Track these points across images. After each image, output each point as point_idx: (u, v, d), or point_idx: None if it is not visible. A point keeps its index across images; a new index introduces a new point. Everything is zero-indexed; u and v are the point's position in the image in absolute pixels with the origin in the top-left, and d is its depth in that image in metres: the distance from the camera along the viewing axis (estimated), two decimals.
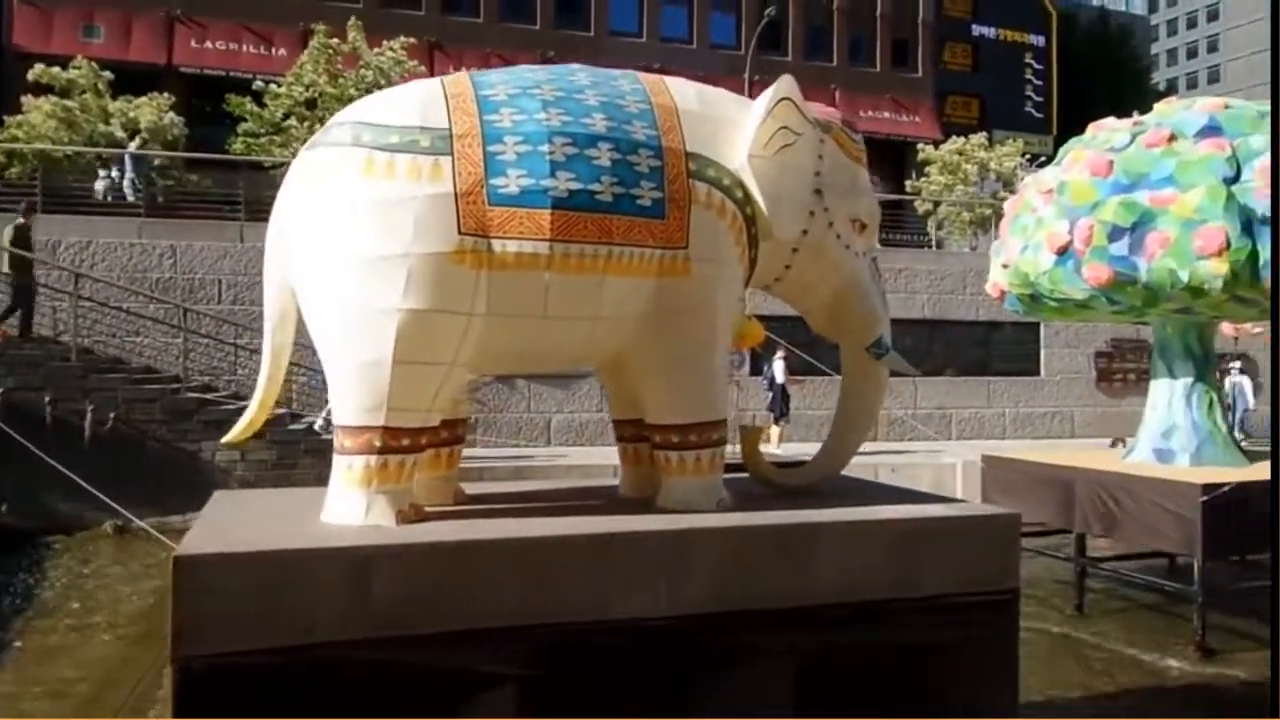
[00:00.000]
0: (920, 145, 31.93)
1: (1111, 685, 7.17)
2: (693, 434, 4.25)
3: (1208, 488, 7.42)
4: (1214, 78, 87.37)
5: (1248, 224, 7.55)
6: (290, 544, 3.39)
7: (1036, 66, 41.59)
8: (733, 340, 10.68)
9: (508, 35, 29.78)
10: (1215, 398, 8.83)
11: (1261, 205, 7.55)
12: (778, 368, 15.58)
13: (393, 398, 3.78)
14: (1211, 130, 8.11)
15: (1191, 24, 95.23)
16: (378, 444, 3.81)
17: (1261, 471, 8.31)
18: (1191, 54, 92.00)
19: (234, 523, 3.89)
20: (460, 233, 3.77)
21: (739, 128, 4.34)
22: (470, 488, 4.70)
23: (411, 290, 3.72)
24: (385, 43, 21.01)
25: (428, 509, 4.11)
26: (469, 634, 3.42)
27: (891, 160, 34.28)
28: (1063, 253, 8.31)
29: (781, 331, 18.35)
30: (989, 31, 41.19)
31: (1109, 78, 46.00)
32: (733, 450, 4.72)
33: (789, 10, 35.36)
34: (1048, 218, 8.58)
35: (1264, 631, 8.21)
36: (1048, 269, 8.49)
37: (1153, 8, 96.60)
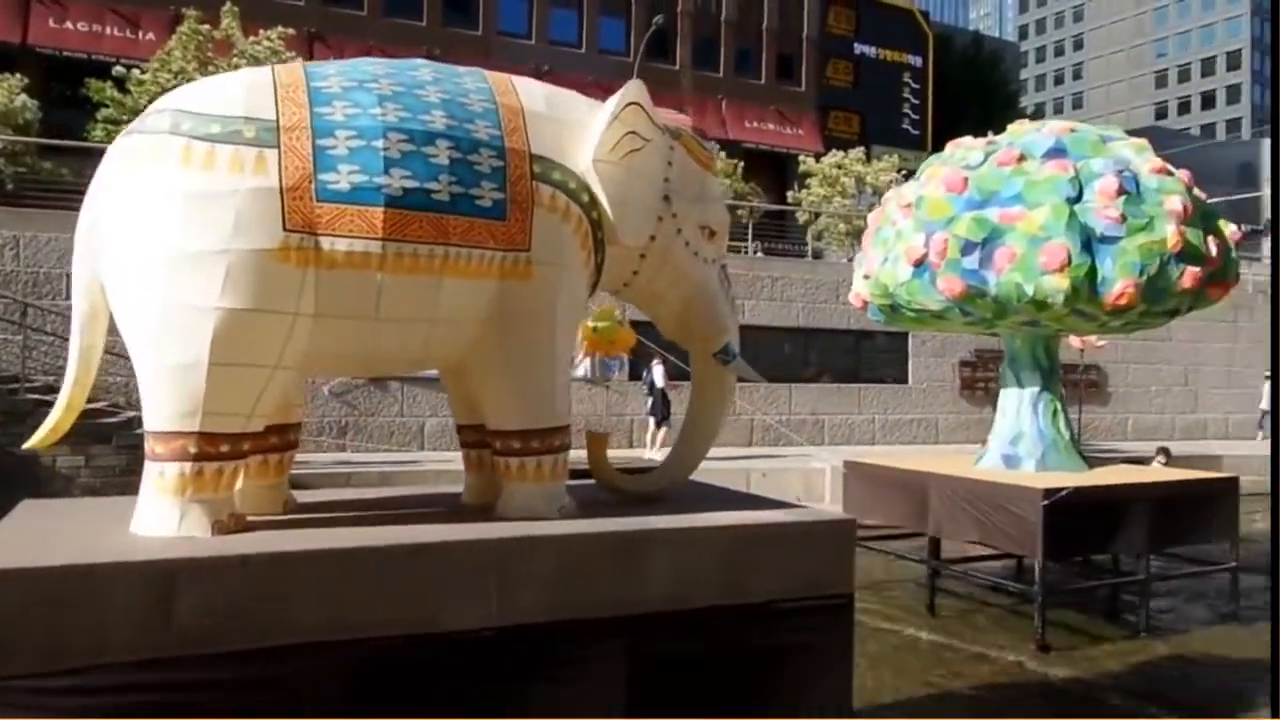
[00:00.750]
0: (802, 157, 32.78)
1: (957, 682, 7.41)
2: (534, 440, 4.17)
3: (1048, 492, 7.78)
4: (1077, 104, 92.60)
5: (1087, 242, 7.98)
6: (84, 557, 3.15)
7: (914, 86, 43.18)
8: (605, 346, 10.62)
9: (392, 30, 29.10)
10: (1060, 406, 9.27)
11: (1100, 224, 7.99)
12: (658, 372, 15.78)
13: (209, 401, 3.58)
14: (1057, 152, 8.54)
15: (1059, 52, 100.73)
16: (193, 450, 3.59)
17: (1099, 477, 8.80)
18: (1058, 80, 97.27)
19: (31, 534, 3.61)
20: (285, 229, 3.60)
21: (587, 131, 4.30)
22: (305, 496, 4.51)
23: (230, 288, 3.53)
24: (262, 31, 20.24)
25: (253, 519, 3.91)
26: (281, 650, 3.26)
27: (774, 171, 35.07)
28: (919, 265, 8.60)
29: (660, 337, 18.58)
30: (870, 50, 42.55)
31: (981, 99, 48.16)
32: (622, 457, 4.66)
33: (678, 20, 35.77)
34: (906, 231, 8.86)
35: (1098, 628, 8.68)
36: (905, 280, 8.76)
37: (1023, 35, 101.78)
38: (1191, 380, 22.22)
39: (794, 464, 14.78)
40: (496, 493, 4.34)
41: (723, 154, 28.94)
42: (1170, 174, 8.51)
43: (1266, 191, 45.85)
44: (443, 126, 3.91)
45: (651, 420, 16.02)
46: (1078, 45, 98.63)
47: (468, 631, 3.62)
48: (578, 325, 4.58)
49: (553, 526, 4.01)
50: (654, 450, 15.71)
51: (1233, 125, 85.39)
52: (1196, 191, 8.67)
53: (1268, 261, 32.17)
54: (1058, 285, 7.88)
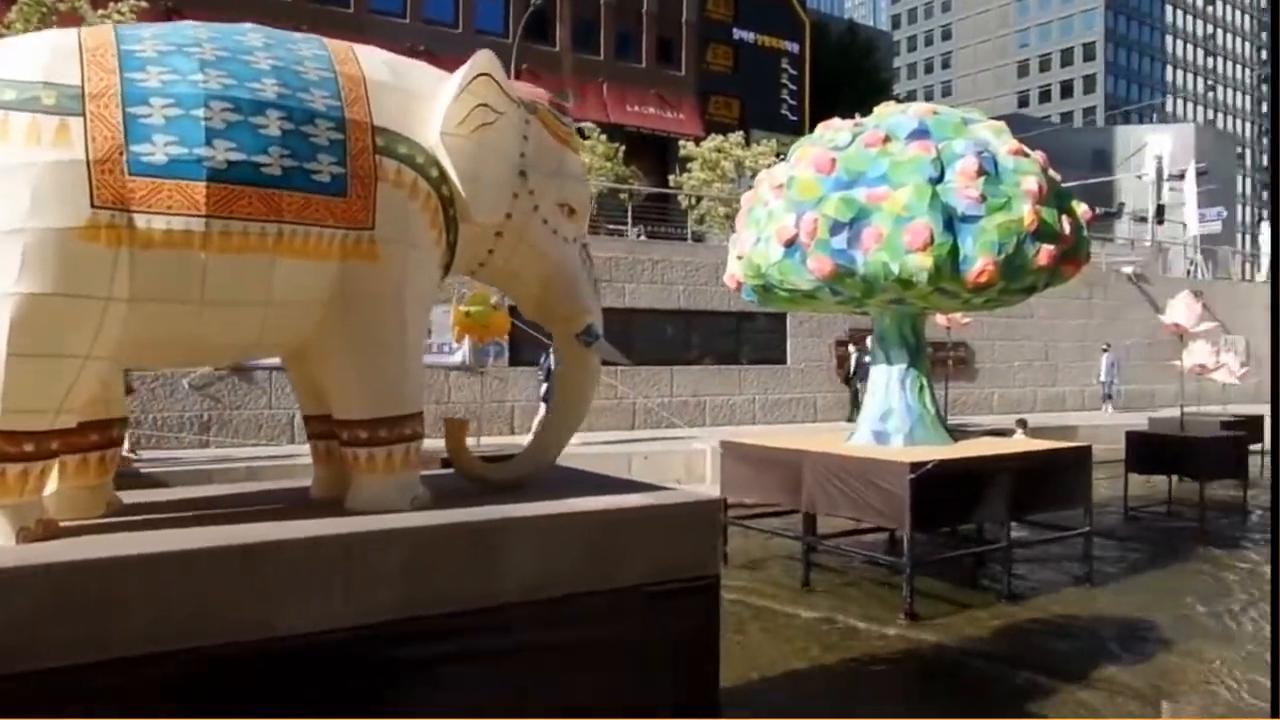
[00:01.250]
0: (682, 141, 32.95)
1: (830, 656, 7.53)
2: (383, 429, 3.96)
3: (914, 466, 7.96)
4: (947, 91, 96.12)
5: (949, 221, 8.17)
6: None
7: (792, 72, 43.95)
8: (479, 331, 10.36)
9: (256, 5, 27.69)
10: (926, 382, 9.53)
11: (962, 204, 8.20)
12: (553, 361, 15.55)
13: (9, 397, 3.24)
14: (920, 133, 8.72)
15: (929, 41, 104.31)
16: None
17: (963, 450, 9.08)
18: (929, 69, 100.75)
19: None
20: (94, 206, 3.28)
21: (435, 102, 4.08)
22: (132, 497, 4.17)
23: (28, 271, 3.20)
24: (113, 4, 18.98)
25: (71, 524, 3.58)
26: (98, 666, 2.98)
27: (656, 155, 35.15)
28: (790, 245, 8.66)
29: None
30: (749, 36, 43.09)
31: (856, 86, 49.37)
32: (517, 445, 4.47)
33: (556, 2, 35.36)
34: (777, 211, 8.92)
35: (964, 596, 8.98)
36: (777, 260, 8.82)
37: (896, 24, 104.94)
38: (1051, 355, 23.35)
39: (676, 446, 14.83)
40: (347, 486, 4.11)
41: (603, 136, 28.82)
42: (1026, 155, 8.81)
43: (1118, 176, 48.60)
44: (274, 95, 3.64)
45: (543, 406, 15.92)
46: (946, 35, 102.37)
47: (314, 634, 3.40)
48: (429, 308, 4.37)
49: (404, 519, 3.82)
50: None
51: (1088, 113, 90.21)
52: (1051, 172, 9.01)
53: (1121, 242, 34.11)
54: (921, 264, 8.06)
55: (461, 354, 17.07)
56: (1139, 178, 36.87)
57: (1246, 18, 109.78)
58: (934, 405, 9.56)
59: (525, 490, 4.41)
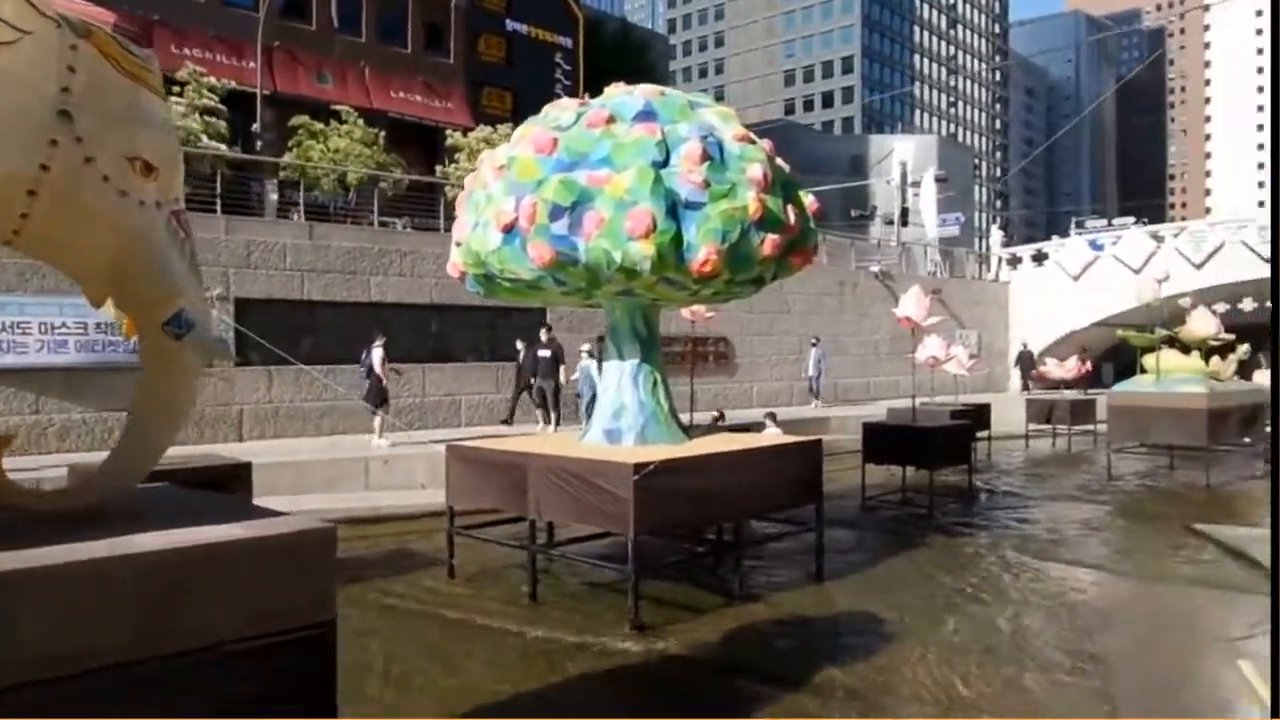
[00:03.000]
0: (449, 131, 31.74)
1: (556, 676, 6.92)
2: None
3: (638, 466, 7.47)
4: (720, 97, 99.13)
5: (673, 207, 7.74)
6: None
7: (565, 67, 43.66)
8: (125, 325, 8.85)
9: None
10: (660, 377, 9.11)
11: (685, 190, 7.78)
12: (376, 356, 14.84)
13: None
14: (646, 115, 8.26)
15: (703, 47, 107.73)
16: None
17: (693, 447, 8.72)
18: (703, 74, 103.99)
19: None
20: None
21: None
22: None
23: None
24: None
25: None
26: None
27: (423, 144, 33.66)
28: (509, 231, 7.98)
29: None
30: (521, 28, 42.43)
31: (631, 84, 49.58)
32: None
33: None
34: (497, 194, 8.21)
35: (696, 599, 8.62)
36: (496, 248, 8.12)
37: (672, 29, 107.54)
38: (806, 350, 24.08)
39: (419, 449, 13.81)
40: None
41: (360, 121, 27.17)
42: (753, 142, 8.54)
43: (872, 180, 51.72)
44: None
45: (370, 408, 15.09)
46: (719, 42, 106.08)
47: None
48: None
49: None
50: (380, 439, 14.75)
51: (847, 123, 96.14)
52: (779, 161, 8.81)
53: (874, 241, 36.09)
54: (644, 252, 7.58)
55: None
56: (888, 183, 39.20)
57: (984, 41, 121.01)
58: (668, 401, 9.15)
59: (76, 526, 3.40)
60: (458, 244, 8.72)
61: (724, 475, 8.31)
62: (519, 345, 17.41)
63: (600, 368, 17.17)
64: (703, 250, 7.72)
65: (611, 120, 8.19)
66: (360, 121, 27.42)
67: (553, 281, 8.23)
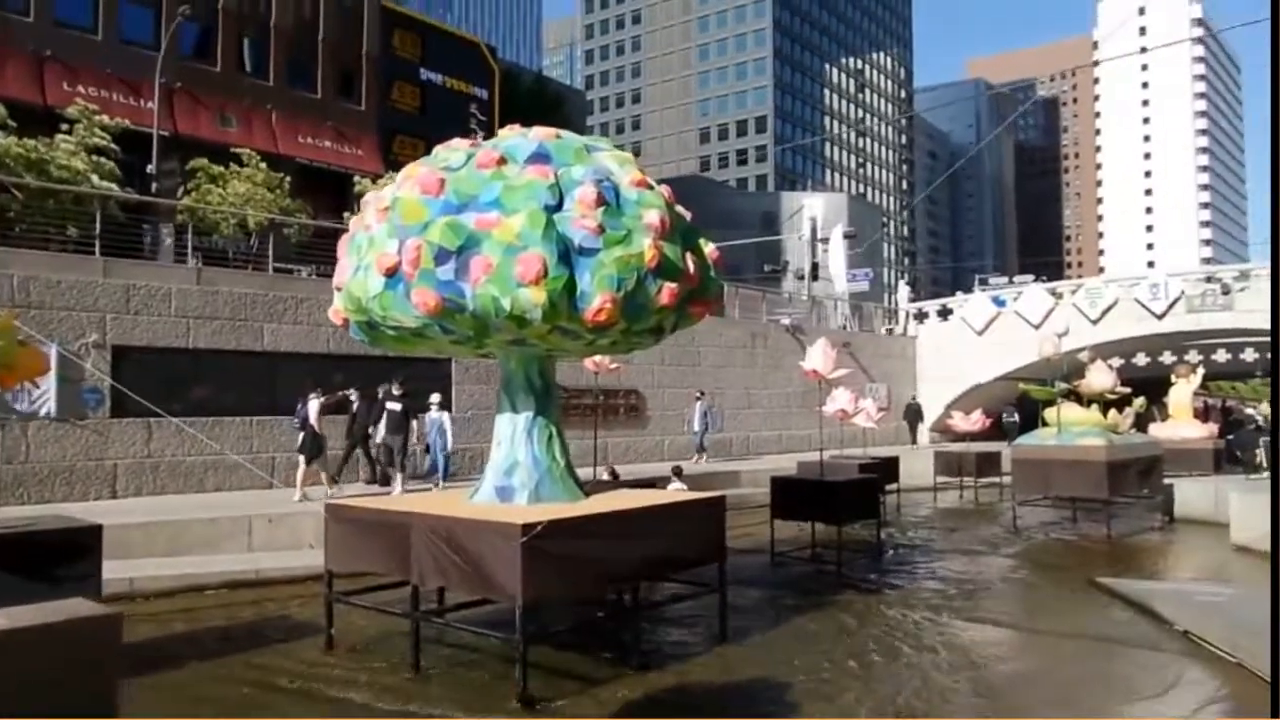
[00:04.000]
0: (357, 178, 31.12)
1: None
2: None
3: (526, 527, 6.98)
4: (638, 152, 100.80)
5: (565, 253, 7.38)
6: None
7: (480, 117, 43.53)
8: (2, 374, 7.93)
9: None
10: (555, 431, 8.67)
11: (578, 235, 7.44)
12: (312, 407, 14.55)
13: None
14: (540, 157, 7.93)
15: (620, 104, 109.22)
16: None
17: (588, 506, 8.26)
18: (620, 129, 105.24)
19: None
20: None
21: None
22: None
23: None
24: None
25: None
26: None
27: (333, 191, 32.89)
28: (392, 275, 7.51)
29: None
30: (436, 78, 42.29)
31: None
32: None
33: (219, 18, 32.34)
34: (379, 236, 7.75)
35: (591, 669, 8.09)
36: (378, 293, 7.63)
37: (590, 85, 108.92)
38: (718, 402, 23.91)
39: (308, 508, 13.01)
40: None
41: (263, 165, 26.41)
42: (651, 187, 8.26)
43: (784, 236, 52.51)
44: None
45: (301, 459, 14.61)
46: (636, 99, 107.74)
47: None
48: None
49: None
50: (299, 490, 14.18)
51: (760, 180, 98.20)
52: (679, 208, 8.55)
53: (785, 295, 36.47)
54: (534, 299, 7.18)
55: (47, 401, 14.29)
56: (799, 238, 39.80)
57: (891, 105, 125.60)
58: (564, 456, 8.70)
59: None
60: (338, 288, 8.21)
61: (621, 535, 7.86)
62: (352, 396, 16.28)
63: (452, 419, 16.61)
64: (597, 298, 7.36)
65: (503, 161, 7.84)
66: (263, 165, 26.62)
67: (439, 329, 7.77)
